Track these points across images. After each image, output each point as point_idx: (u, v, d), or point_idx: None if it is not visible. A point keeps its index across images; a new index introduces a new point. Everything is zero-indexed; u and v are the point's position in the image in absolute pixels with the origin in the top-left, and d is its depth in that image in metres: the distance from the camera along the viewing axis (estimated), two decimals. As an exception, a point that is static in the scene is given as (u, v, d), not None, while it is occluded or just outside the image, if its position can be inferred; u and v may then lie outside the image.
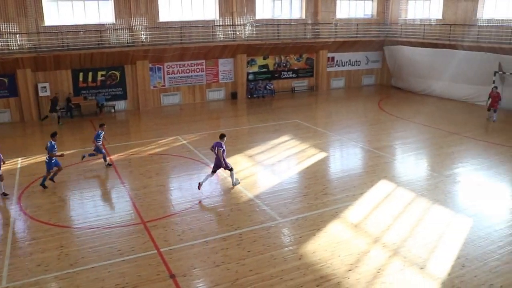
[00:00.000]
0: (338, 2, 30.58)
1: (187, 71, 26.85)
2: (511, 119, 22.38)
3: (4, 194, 13.35)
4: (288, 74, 30.06)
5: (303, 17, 29.63)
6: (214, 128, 21.32)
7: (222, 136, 13.52)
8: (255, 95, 28.53)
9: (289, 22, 28.98)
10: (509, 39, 24.11)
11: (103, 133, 15.78)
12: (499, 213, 12.16)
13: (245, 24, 27.27)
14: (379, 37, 31.67)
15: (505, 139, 19.07)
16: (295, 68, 30.19)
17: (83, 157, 16.04)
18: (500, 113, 22.69)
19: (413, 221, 11.62)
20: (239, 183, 14.07)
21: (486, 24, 25.88)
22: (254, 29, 27.49)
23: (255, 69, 28.84)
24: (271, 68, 29.36)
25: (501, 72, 24.31)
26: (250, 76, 28.74)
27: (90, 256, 9.90)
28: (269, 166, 15.95)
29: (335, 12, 30.47)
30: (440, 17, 28.83)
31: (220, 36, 26.78)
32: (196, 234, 10.82)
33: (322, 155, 17.17)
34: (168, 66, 26.27)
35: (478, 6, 26.46)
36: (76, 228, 11.35)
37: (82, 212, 12.35)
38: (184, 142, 19.02)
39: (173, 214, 12.02)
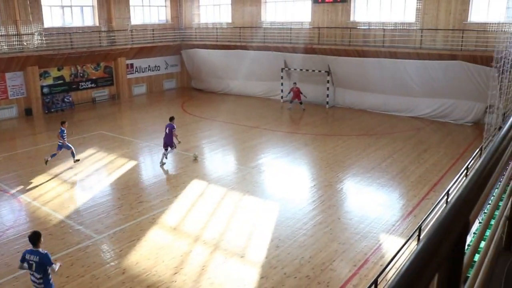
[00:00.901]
0: (131, 8, 30.28)
1: (-33, 89, 23.74)
2: (300, 109, 25.08)
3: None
4: (87, 84, 28.69)
5: (97, 24, 28.63)
6: (8, 150, 19.17)
7: (172, 119, 16.55)
8: (53, 109, 26.57)
9: (82, 30, 27.73)
10: (289, 39, 27.00)
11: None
12: (301, 194, 13.74)
13: (32, 34, 25.23)
14: (176, 42, 32.35)
15: (296, 127, 21.48)
16: (94, 77, 28.98)
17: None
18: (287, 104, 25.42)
19: (228, 214, 12.31)
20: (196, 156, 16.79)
21: (269, 26, 28.55)
22: (43, 38, 25.60)
23: (49, 81, 26.83)
24: (67, 80, 27.65)
25: (287, 68, 27.10)
26: (45, 90, 26.61)
27: None
28: (78, 182, 15.20)
29: (130, 18, 30.15)
30: (230, 20, 30.79)
31: (4, 47, 24.29)
32: (2, 271, 9.74)
33: (132, 163, 16.98)
34: None
35: (262, 11, 29.02)
36: None
37: None
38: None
39: (-29, 252, 10.65)
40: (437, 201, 10.31)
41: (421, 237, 8.73)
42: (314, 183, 14.72)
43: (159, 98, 30.72)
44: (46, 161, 16.17)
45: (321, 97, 25.93)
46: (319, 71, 25.60)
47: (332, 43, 25.47)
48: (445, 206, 1.42)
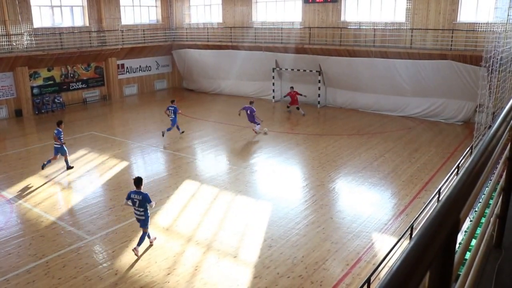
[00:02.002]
0: (122, 9, 30.17)
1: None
2: (291, 109, 25.04)
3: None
4: (78, 85, 28.54)
5: (87, 24, 28.49)
6: (-1, 151, 19.13)
7: (251, 102, 19.58)
8: (43, 110, 26.40)
9: (72, 30, 27.58)
10: (280, 39, 27.04)
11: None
12: (293, 194, 13.77)
13: (22, 34, 25.05)
14: (167, 42, 32.29)
15: (288, 127, 21.51)
16: (85, 78, 28.83)
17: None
18: (281, 104, 25.37)
19: (220, 214, 12.31)
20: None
21: (260, 26, 28.56)
22: (33, 38, 25.42)
23: (39, 82, 26.65)
24: (58, 80, 27.48)
25: (278, 68, 27.13)
26: (35, 90, 26.45)
27: None
28: (69, 183, 15.10)
29: (120, 18, 30.03)
30: (221, 20, 30.78)
31: (-7, 48, 24.09)
32: (-6, 272, 9.63)
33: (123, 164, 16.90)
34: None
35: (252, 11, 29.04)
36: None
37: None
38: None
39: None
40: (429, 200, 10.40)
41: (413, 236, 8.78)
42: (306, 182, 14.75)
43: (150, 99, 30.62)
44: (43, 166, 15.98)
45: (313, 97, 25.97)
46: (310, 71, 25.65)
47: (323, 43, 25.56)
48: (436, 205, 1.41)
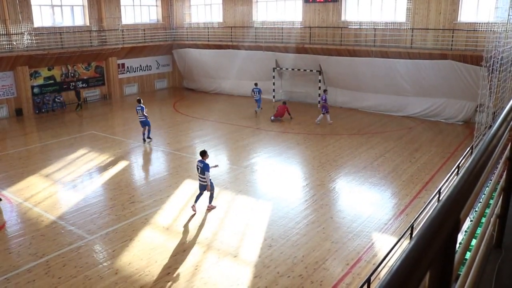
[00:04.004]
0: (122, 8, 30.15)
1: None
2: (292, 109, 24.89)
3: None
4: (78, 84, 28.55)
5: (87, 23, 28.48)
6: (-1, 150, 19.13)
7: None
8: (43, 110, 26.39)
9: (72, 30, 27.56)
10: (281, 39, 27.02)
11: None
12: (293, 193, 13.77)
13: (22, 33, 25.05)
14: (167, 41, 32.26)
15: (288, 127, 21.45)
16: (85, 77, 28.82)
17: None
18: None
19: (221, 214, 12.32)
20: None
21: (261, 26, 28.54)
22: (33, 38, 25.41)
23: (40, 81, 26.64)
24: (58, 80, 27.47)
25: (278, 68, 27.09)
26: (36, 90, 26.45)
27: None
28: (69, 183, 15.04)
29: (121, 18, 30.02)
30: (221, 20, 30.75)
31: (-6, 47, 24.10)
32: (-6, 271, 9.63)
33: (124, 163, 16.90)
34: None
35: (253, 11, 29.01)
36: None
37: None
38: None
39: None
40: (429, 200, 10.39)
41: (413, 236, 8.78)
42: (307, 182, 14.75)
43: (150, 98, 30.53)
44: (145, 140, 19.13)
45: (313, 96, 25.92)
46: (311, 70, 25.63)
47: (323, 43, 25.53)
48: (436, 205, 1.41)
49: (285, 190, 13.99)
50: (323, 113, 21.60)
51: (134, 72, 31.58)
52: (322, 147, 18.25)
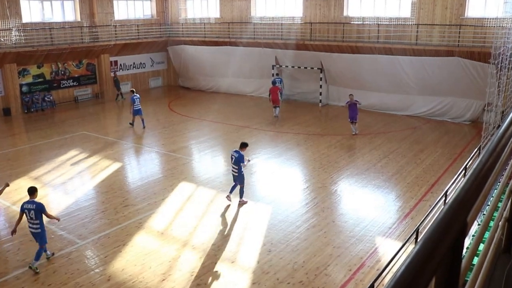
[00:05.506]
0: (115, 3, 29.50)
1: None
2: (291, 108, 24.58)
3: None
4: (69, 83, 27.73)
5: (78, 19, 27.78)
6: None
7: (352, 94, 19.72)
8: (33, 109, 25.60)
9: (63, 25, 26.82)
10: (280, 35, 26.48)
11: None
12: (293, 196, 13.53)
13: (10, 29, 24.22)
14: (162, 38, 31.66)
15: (288, 127, 21.09)
16: (76, 75, 28.04)
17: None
18: (281, 103, 24.73)
19: (217, 218, 12.19)
20: None
21: (259, 22, 27.99)
22: (22, 34, 24.59)
23: (29, 79, 25.83)
24: (48, 78, 26.68)
25: (278, 66, 26.65)
26: (24, 88, 25.63)
27: None
28: (60, 185, 14.62)
29: (113, 13, 29.34)
30: (218, 15, 30.17)
31: (-21, 44, 23.26)
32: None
33: (116, 165, 16.48)
34: None
35: (251, 5, 28.50)
36: None
37: None
38: None
39: None
40: (435, 203, 10.16)
41: (418, 240, 8.26)
42: (307, 184, 14.51)
43: (145, 97, 29.70)
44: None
45: (314, 95, 25.48)
46: (312, 68, 25.24)
47: (325, 39, 25.08)
48: (443, 208, 1.36)
49: (284, 193, 13.75)
50: (352, 122, 19.62)
51: (127, 70, 30.89)
52: (324, 148, 17.95)
